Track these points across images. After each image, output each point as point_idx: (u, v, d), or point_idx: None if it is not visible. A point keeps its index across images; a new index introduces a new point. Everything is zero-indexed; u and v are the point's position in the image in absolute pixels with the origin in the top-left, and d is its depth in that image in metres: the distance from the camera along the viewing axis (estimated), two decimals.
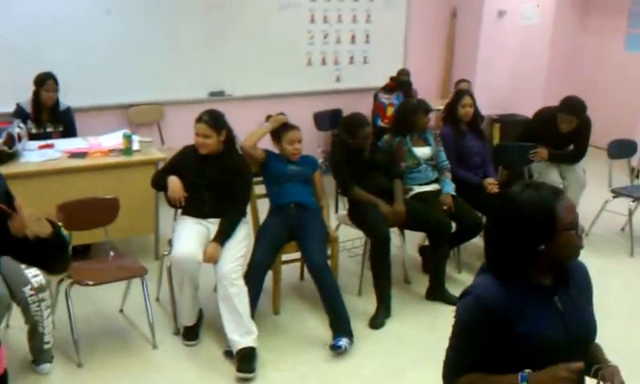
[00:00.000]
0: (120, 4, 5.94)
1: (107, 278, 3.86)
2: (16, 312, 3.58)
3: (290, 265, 4.52)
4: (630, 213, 5.58)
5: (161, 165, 4.58)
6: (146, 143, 4.91)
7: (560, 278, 1.97)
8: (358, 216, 4.45)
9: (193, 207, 3.97)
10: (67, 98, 5.35)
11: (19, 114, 5.14)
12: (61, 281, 3.76)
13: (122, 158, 4.79)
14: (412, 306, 4.47)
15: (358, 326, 4.07)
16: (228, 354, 3.74)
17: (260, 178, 4.36)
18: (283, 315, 4.28)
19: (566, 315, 1.94)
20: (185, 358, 3.80)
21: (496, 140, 7.38)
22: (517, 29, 7.85)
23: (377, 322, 4.18)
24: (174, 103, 6.33)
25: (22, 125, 4.78)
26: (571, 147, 5.51)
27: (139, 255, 4.51)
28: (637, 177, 6.24)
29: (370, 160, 4.49)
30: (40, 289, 3.41)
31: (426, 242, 4.84)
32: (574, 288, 2.00)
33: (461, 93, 5.23)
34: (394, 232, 4.46)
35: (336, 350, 3.82)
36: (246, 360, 3.60)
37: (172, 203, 4.04)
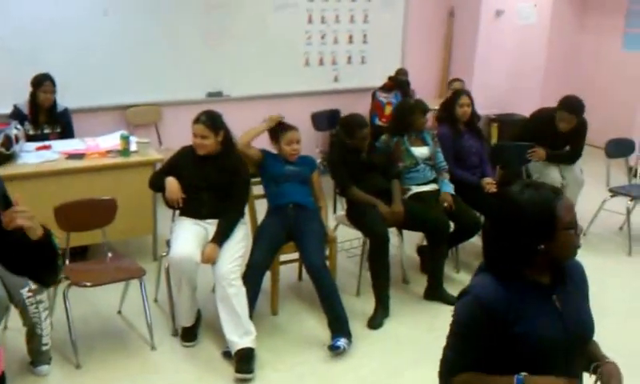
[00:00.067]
0: (117, 5, 5.94)
1: (105, 280, 3.86)
2: (14, 314, 3.57)
3: (289, 265, 4.52)
4: (628, 212, 5.58)
5: (158, 166, 4.58)
6: (144, 144, 4.90)
7: (558, 277, 1.97)
8: (356, 216, 4.45)
9: (191, 208, 3.97)
10: (65, 99, 5.35)
11: (16, 115, 5.14)
12: (59, 282, 3.75)
13: (119, 159, 4.78)
14: (410, 306, 4.47)
15: (357, 326, 4.07)
16: (226, 354, 3.74)
17: (258, 179, 4.36)
18: (281, 316, 4.28)
19: (564, 314, 1.94)
20: (183, 358, 3.80)
21: (494, 139, 7.38)
22: (514, 28, 7.86)
23: (375, 322, 4.18)
24: (172, 104, 6.32)
25: (19, 126, 4.78)
26: (567, 148, 5.52)
27: (137, 256, 4.51)
28: (634, 176, 6.26)
29: (368, 160, 4.49)
30: (38, 290, 3.41)
31: (425, 242, 4.85)
32: (571, 285, 2.00)
33: (458, 92, 5.22)
34: (392, 232, 4.46)
35: (334, 351, 3.82)
36: (244, 361, 3.59)
37: (170, 204, 4.04)
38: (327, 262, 4.16)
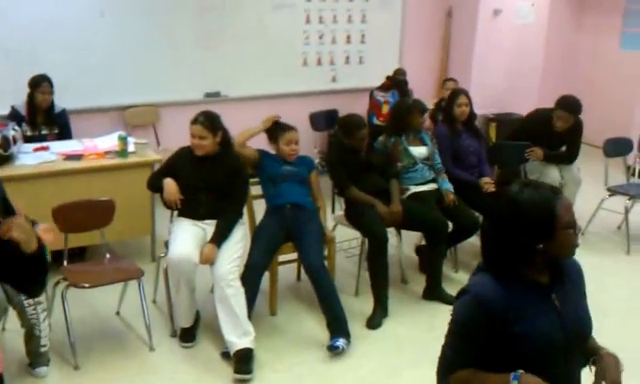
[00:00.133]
0: (114, 6, 5.93)
1: (103, 281, 3.86)
2: (12, 315, 3.57)
3: (287, 265, 4.52)
4: (626, 211, 5.59)
5: (156, 166, 4.57)
6: (142, 145, 4.90)
7: (556, 276, 1.97)
8: (354, 216, 4.45)
9: (189, 209, 3.96)
10: (63, 100, 5.34)
11: (14, 116, 5.12)
12: (57, 283, 3.75)
13: (117, 160, 4.78)
14: (409, 306, 4.47)
15: (355, 326, 4.07)
16: (225, 355, 3.73)
17: (256, 179, 4.36)
18: (280, 316, 4.28)
19: (563, 312, 1.95)
20: (182, 359, 3.80)
21: (493, 139, 7.38)
22: (512, 27, 7.86)
23: (374, 322, 4.18)
24: (170, 104, 6.31)
25: (16, 127, 4.77)
26: (563, 148, 5.52)
27: (135, 257, 4.50)
28: (633, 175, 6.26)
29: (367, 160, 4.49)
30: None
31: (423, 242, 4.85)
32: (569, 284, 2.00)
33: (457, 92, 5.22)
34: (390, 232, 4.46)
35: (333, 351, 3.82)
36: (243, 361, 3.59)
37: (168, 205, 4.03)
38: (326, 262, 4.16)
